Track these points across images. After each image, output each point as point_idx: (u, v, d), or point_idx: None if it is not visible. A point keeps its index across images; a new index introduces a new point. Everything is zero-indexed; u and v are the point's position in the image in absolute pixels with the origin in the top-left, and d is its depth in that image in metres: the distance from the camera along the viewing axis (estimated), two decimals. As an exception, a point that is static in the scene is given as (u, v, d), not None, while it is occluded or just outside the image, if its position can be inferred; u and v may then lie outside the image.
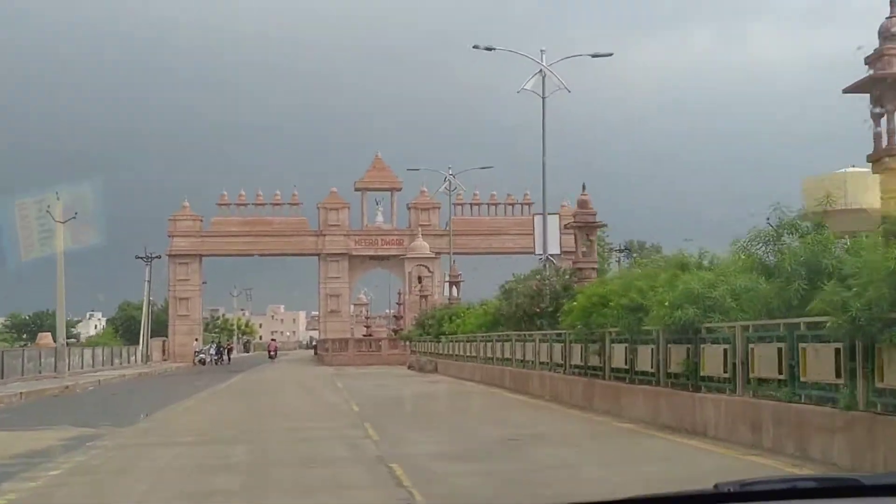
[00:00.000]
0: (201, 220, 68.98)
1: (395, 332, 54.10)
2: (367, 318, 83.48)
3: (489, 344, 26.95)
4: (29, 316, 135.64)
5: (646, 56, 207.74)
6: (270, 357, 70.49)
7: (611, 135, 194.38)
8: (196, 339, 63.61)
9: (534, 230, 29.62)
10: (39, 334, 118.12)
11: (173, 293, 67.79)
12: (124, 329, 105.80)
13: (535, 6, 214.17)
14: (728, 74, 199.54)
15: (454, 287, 40.36)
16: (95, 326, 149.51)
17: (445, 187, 40.23)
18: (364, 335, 59.32)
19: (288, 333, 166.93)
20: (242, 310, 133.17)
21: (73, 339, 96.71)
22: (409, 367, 37.58)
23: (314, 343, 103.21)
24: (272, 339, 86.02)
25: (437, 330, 34.01)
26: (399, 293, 55.91)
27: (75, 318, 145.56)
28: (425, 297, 49.06)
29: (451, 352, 32.71)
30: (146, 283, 57.97)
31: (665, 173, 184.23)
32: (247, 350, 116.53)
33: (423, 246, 56.43)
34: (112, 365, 51.21)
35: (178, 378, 40.50)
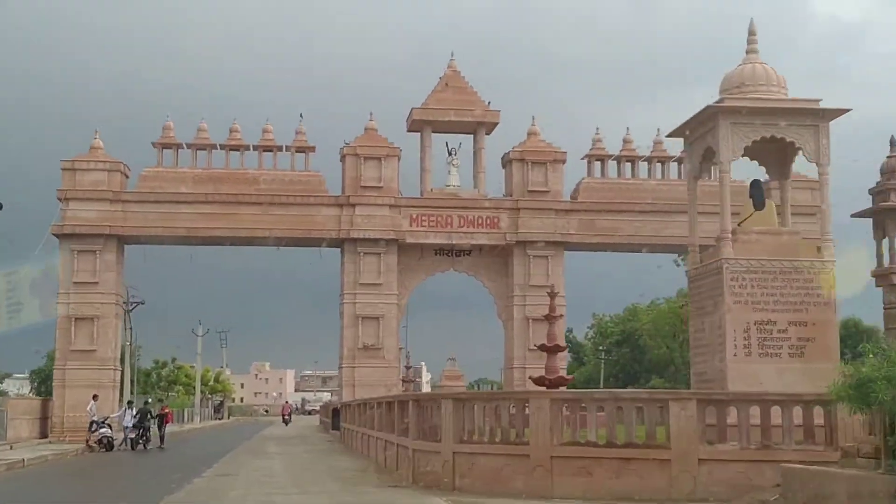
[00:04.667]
0: (125, 174, 37.11)
1: (547, 383, 21.30)
2: (407, 367, 51.27)
3: None
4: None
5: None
6: (284, 421, 61.10)
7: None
8: (94, 397, 31.10)
9: None
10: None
11: (66, 310, 35.57)
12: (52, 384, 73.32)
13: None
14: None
15: None
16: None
17: None
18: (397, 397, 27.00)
19: (274, 395, 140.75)
20: (223, 367, 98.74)
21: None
22: None
23: (320, 406, 71.43)
24: (286, 402, 79.17)
25: None
26: (555, 292, 23.16)
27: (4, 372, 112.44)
28: None
29: None
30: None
31: None
32: (218, 415, 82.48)
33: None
34: None
35: None
